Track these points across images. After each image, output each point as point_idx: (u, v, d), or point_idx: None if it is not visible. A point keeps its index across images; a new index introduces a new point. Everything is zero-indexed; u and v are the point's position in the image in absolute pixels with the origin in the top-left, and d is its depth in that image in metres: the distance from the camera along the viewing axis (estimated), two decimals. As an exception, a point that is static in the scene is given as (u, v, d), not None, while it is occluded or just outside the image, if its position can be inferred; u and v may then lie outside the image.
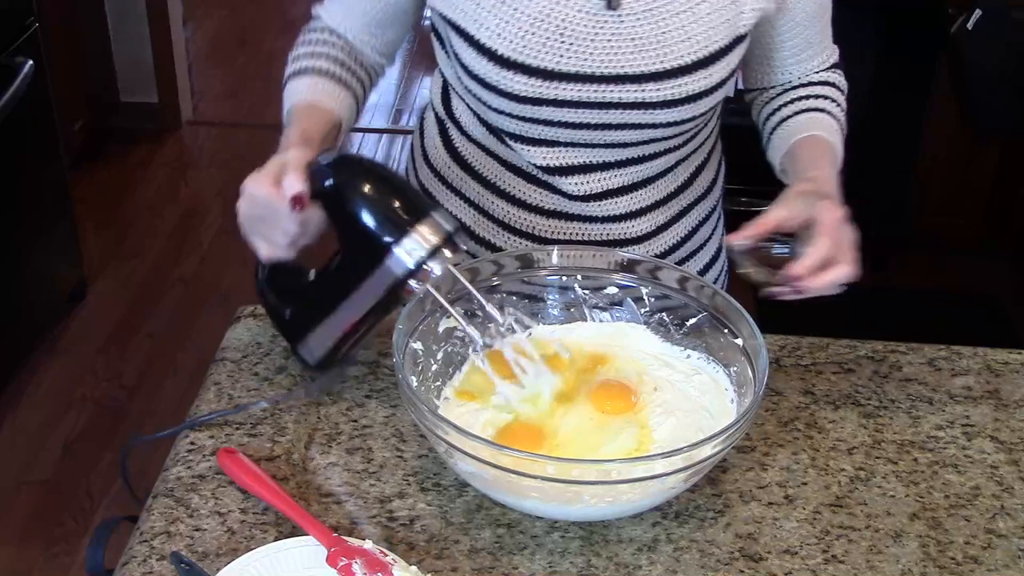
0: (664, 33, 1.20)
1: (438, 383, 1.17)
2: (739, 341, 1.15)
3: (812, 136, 1.29)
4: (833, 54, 1.38)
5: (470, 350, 1.18)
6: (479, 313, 1.22)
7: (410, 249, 1.08)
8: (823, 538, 1.08)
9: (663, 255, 1.39)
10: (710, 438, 1.01)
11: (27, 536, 2.44)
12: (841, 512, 1.11)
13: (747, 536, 1.08)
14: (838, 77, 1.37)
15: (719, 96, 1.27)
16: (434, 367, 1.18)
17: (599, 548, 1.05)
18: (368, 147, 4.05)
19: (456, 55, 1.25)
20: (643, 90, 1.21)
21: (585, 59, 1.20)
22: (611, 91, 1.21)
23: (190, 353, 2.96)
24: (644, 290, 1.22)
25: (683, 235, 1.40)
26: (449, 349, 1.20)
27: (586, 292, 1.25)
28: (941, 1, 2.87)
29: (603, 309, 1.25)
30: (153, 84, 3.91)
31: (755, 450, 1.18)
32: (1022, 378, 1.30)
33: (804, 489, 1.13)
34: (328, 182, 1.10)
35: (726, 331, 1.17)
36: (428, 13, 1.30)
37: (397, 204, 1.10)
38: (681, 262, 1.42)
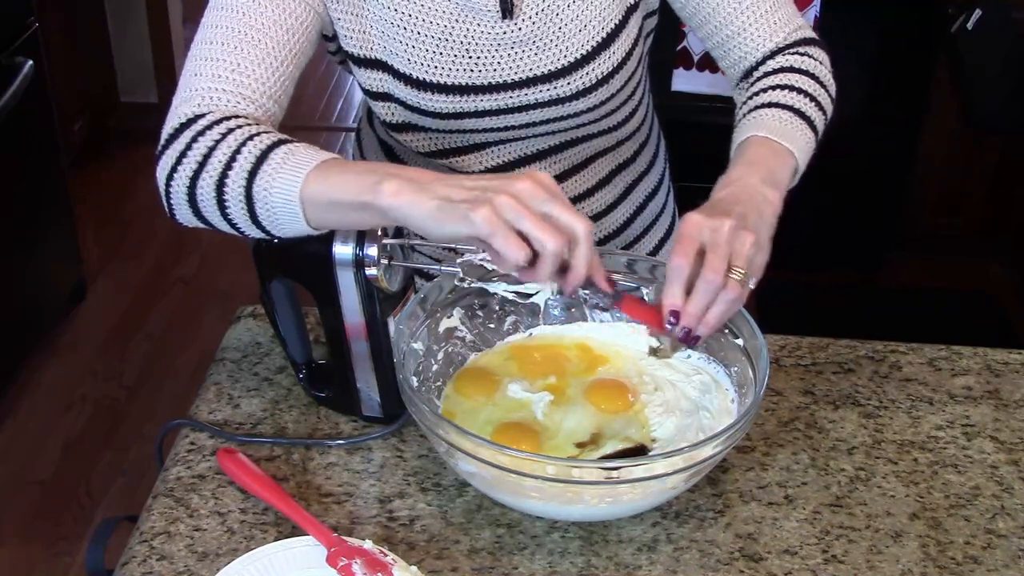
0: (560, 29, 1.22)
1: (439, 383, 1.18)
2: (740, 341, 1.15)
3: (741, 143, 1.20)
4: (797, 30, 1.27)
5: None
6: (480, 313, 1.22)
7: (343, 239, 1.08)
8: (823, 538, 1.08)
9: (615, 233, 1.41)
10: (711, 438, 1.01)
11: (27, 536, 2.44)
12: (841, 512, 1.11)
13: (747, 536, 1.08)
14: (799, 58, 1.25)
15: (631, 68, 1.28)
16: (434, 367, 1.18)
17: (599, 548, 1.05)
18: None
19: (375, 90, 1.25)
20: (555, 87, 1.24)
21: (494, 69, 1.23)
22: (525, 95, 1.24)
23: (190, 353, 2.96)
24: (645, 290, 1.22)
25: (632, 211, 1.43)
26: (449, 349, 1.20)
27: (586, 292, 1.24)
28: (941, 1, 2.87)
29: (603, 309, 1.25)
30: (153, 84, 3.91)
31: (755, 450, 1.18)
32: (1022, 378, 1.31)
33: (804, 489, 1.13)
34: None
35: (726, 331, 1.16)
36: (336, 59, 1.29)
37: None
38: (636, 240, 1.44)
